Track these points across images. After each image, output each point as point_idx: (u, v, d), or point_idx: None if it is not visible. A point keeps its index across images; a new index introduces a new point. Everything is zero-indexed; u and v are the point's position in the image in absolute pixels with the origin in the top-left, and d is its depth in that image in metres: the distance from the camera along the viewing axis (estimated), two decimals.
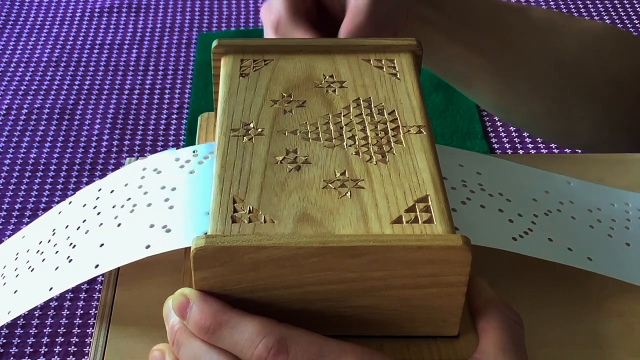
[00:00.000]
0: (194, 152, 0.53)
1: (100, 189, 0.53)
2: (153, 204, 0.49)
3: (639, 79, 0.71)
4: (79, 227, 0.51)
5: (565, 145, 0.76)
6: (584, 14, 1.10)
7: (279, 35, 0.58)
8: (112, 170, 0.98)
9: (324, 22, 0.59)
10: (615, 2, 1.13)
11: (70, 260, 0.49)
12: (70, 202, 0.54)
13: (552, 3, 1.12)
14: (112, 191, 0.52)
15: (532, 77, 0.69)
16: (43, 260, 0.50)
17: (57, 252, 0.50)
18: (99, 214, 0.51)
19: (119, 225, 0.49)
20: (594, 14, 1.11)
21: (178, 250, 0.46)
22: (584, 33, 0.71)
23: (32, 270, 0.50)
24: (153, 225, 0.48)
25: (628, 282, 0.51)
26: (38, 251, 0.51)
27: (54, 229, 0.52)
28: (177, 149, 0.54)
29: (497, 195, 0.52)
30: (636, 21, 1.09)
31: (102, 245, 0.48)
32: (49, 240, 0.52)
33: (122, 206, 0.50)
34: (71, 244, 0.50)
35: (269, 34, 0.59)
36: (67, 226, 0.52)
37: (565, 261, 0.50)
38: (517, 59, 0.68)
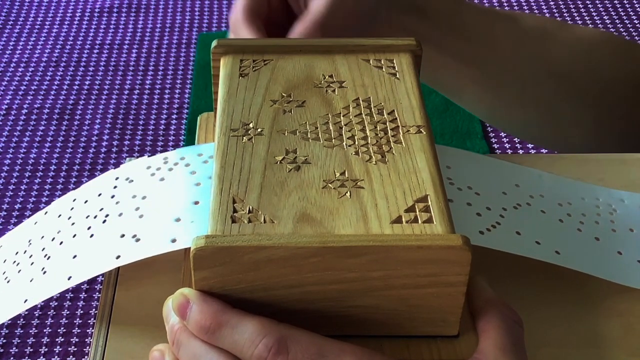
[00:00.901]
0: (164, 159, 0.53)
1: (74, 199, 0.53)
2: (124, 214, 0.50)
3: (631, 84, 0.71)
4: (53, 238, 0.51)
5: (559, 152, 0.76)
6: (583, 14, 1.10)
7: (233, 33, 0.59)
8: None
9: (288, 23, 0.59)
10: (615, 2, 1.13)
11: (45, 272, 0.49)
12: (46, 213, 0.54)
13: (552, 3, 1.12)
14: (86, 201, 0.53)
15: (522, 86, 0.69)
16: (19, 271, 0.51)
17: (32, 263, 0.50)
18: (73, 224, 0.51)
19: (91, 236, 0.49)
20: (594, 14, 1.11)
21: (178, 250, 0.46)
22: (576, 40, 0.71)
23: (8, 282, 0.51)
24: (124, 235, 0.48)
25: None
26: (14, 262, 0.52)
27: (30, 240, 0.53)
28: (150, 156, 0.55)
29: (465, 189, 0.52)
30: (636, 21, 1.09)
31: (74, 256, 0.49)
32: (25, 251, 0.52)
33: (95, 217, 0.51)
34: (46, 255, 0.50)
35: (230, 32, 0.60)
36: (42, 237, 0.52)
37: (533, 255, 0.49)
38: (507, 68, 0.68)
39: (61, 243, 0.50)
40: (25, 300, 0.48)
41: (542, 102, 0.70)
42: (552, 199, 0.55)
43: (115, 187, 0.53)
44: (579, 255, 0.52)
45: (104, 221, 0.50)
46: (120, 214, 0.50)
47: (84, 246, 0.49)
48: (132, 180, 0.52)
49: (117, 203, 0.51)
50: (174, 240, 0.47)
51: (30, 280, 0.49)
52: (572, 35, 0.72)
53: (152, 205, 0.50)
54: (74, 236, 0.50)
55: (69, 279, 0.47)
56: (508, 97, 0.70)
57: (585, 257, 0.52)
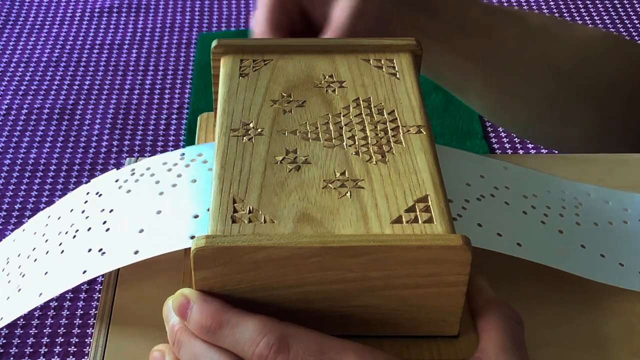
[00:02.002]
0: (132, 170, 0.54)
1: (49, 216, 0.54)
2: (92, 228, 0.50)
3: (633, 84, 0.71)
4: (29, 256, 0.52)
5: (559, 151, 0.76)
6: (583, 14, 1.10)
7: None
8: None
9: (309, 33, 0.59)
10: (615, 2, 1.13)
11: (20, 290, 0.50)
12: (23, 230, 0.55)
13: (552, 3, 1.12)
14: (59, 217, 0.53)
15: (526, 84, 0.69)
16: None
17: (9, 281, 0.51)
18: (47, 241, 0.52)
19: (62, 252, 0.50)
20: (594, 14, 1.11)
21: (178, 250, 0.46)
22: (579, 40, 0.71)
23: None
24: (91, 250, 0.49)
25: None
26: None
27: (8, 258, 0.54)
28: (118, 169, 0.56)
29: None
30: (636, 21, 1.09)
31: (46, 273, 0.49)
32: (3, 269, 0.53)
33: (67, 232, 0.51)
34: (21, 272, 0.51)
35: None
36: (19, 254, 0.53)
37: (493, 247, 0.49)
38: (511, 66, 0.68)
39: (35, 260, 0.51)
40: (1, 318, 0.49)
41: (545, 101, 0.70)
42: (517, 190, 0.54)
43: (86, 202, 0.53)
44: (541, 247, 0.51)
45: (74, 236, 0.50)
46: (89, 229, 0.51)
47: (55, 262, 0.50)
48: (101, 195, 0.53)
49: (86, 218, 0.52)
50: (136, 252, 0.47)
51: (7, 298, 0.50)
52: (575, 34, 0.72)
53: (118, 218, 0.50)
54: (47, 253, 0.51)
55: (39, 295, 0.48)
56: (511, 95, 0.70)
57: (547, 249, 0.51)
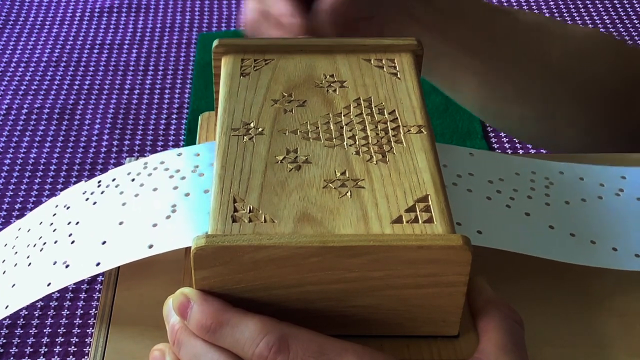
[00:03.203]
0: (98, 182, 0.54)
1: (19, 229, 0.55)
2: (59, 241, 0.51)
3: (626, 84, 0.71)
4: None
5: (549, 151, 0.76)
6: (583, 14, 1.10)
7: (261, 4, 0.57)
8: None
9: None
10: (615, 2, 1.13)
11: None
12: None
13: (551, 3, 1.12)
14: (29, 230, 0.54)
15: (519, 80, 0.69)
16: None
17: None
18: (16, 253, 0.52)
19: (29, 265, 0.50)
20: (594, 14, 1.11)
21: (178, 250, 0.46)
22: (572, 38, 0.71)
23: None
24: (55, 262, 0.49)
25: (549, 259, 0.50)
26: None
27: None
28: (86, 181, 0.56)
29: None
30: (636, 21, 1.09)
31: (13, 285, 0.50)
32: None
33: (35, 245, 0.52)
34: None
35: (250, 2, 0.58)
36: None
37: None
38: (505, 61, 0.68)
39: (4, 272, 0.51)
40: None
41: (536, 98, 0.70)
42: (482, 176, 0.54)
43: (54, 214, 0.54)
44: (503, 233, 0.50)
45: (42, 249, 0.51)
46: (56, 242, 0.51)
47: (22, 274, 0.50)
48: (69, 207, 0.53)
49: (54, 231, 0.52)
50: (98, 264, 0.48)
51: None
52: (568, 34, 0.72)
53: (83, 230, 0.51)
54: (15, 265, 0.51)
55: (6, 307, 0.49)
56: (504, 91, 0.70)
57: (510, 234, 0.50)
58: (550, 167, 0.56)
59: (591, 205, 0.54)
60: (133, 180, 0.53)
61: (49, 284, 0.48)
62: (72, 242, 0.50)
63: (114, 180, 0.54)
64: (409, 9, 0.62)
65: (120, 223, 0.49)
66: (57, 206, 0.54)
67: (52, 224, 0.53)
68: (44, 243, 0.51)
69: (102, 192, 0.53)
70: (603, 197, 0.54)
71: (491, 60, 0.68)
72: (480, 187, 0.53)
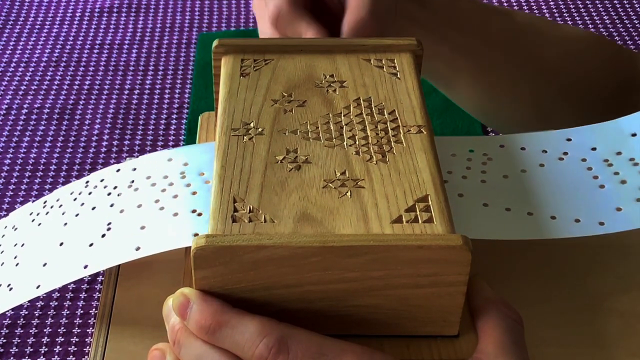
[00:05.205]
0: (44, 203, 0.54)
1: None
2: (5, 263, 0.51)
3: (618, 84, 0.71)
4: None
5: None
6: (583, 14, 1.10)
7: (279, 28, 0.56)
8: None
9: (320, 18, 0.58)
10: (615, 2, 1.13)
11: None
12: None
13: (552, 3, 1.12)
14: None
15: (513, 81, 0.70)
16: None
17: None
18: None
19: None
20: (594, 14, 1.11)
21: (178, 250, 0.46)
22: (565, 39, 0.72)
23: None
24: (0, 285, 0.50)
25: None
26: None
27: None
28: (32, 202, 0.56)
29: None
30: (636, 21, 1.09)
31: None
32: None
33: None
34: None
35: (266, 28, 0.57)
36: None
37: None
38: (499, 62, 0.69)
39: None
40: None
41: (531, 98, 0.71)
42: None
43: (3, 235, 0.54)
44: None
45: None
46: (2, 264, 0.51)
47: None
48: (17, 228, 0.54)
49: (2, 252, 0.52)
50: (38, 287, 0.48)
51: None
52: (562, 34, 0.72)
53: (28, 252, 0.51)
54: None
55: None
56: (499, 91, 0.70)
57: None
58: (490, 142, 0.55)
59: (532, 175, 0.52)
60: (75, 200, 0.53)
61: None
62: (17, 264, 0.50)
63: (57, 200, 0.54)
64: (405, 10, 0.62)
65: (61, 244, 0.50)
66: (5, 227, 0.55)
67: (0, 245, 0.53)
68: None
69: (46, 213, 0.53)
70: (545, 164, 0.53)
71: (485, 61, 0.68)
72: None
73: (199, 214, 0.47)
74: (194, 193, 0.49)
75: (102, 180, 0.53)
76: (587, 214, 0.49)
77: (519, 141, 0.55)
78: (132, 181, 0.51)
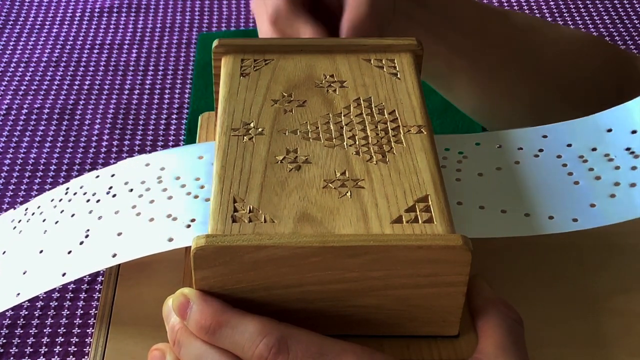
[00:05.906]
0: (25, 209, 0.54)
1: None
2: None
3: (615, 85, 0.71)
4: None
5: None
6: (584, 14, 1.10)
7: (278, 28, 0.56)
8: None
9: (319, 17, 0.58)
10: (615, 2, 1.13)
11: None
12: None
13: (552, 3, 1.12)
14: None
15: (510, 81, 0.70)
16: None
17: None
18: None
19: None
20: (594, 14, 1.11)
21: (178, 250, 0.46)
22: (562, 39, 0.72)
23: None
24: None
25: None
26: None
27: None
28: (14, 210, 0.56)
29: None
30: (636, 21, 1.09)
31: None
32: None
33: None
34: None
35: (265, 27, 0.57)
36: None
37: None
38: (497, 62, 0.69)
39: None
40: None
41: (528, 99, 0.71)
42: None
43: None
44: None
45: None
46: None
47: None
48: None
49: None
50: (18, 294, 0.48)
51: None
52: (559, 34, 0.72)
53: (8, 260, 0.51)
54: None
55: None
56: (496, 92, 0.70)
57: None
58: (467, 139, 0.54)
59: (507, 173, 0.52)
60: (55, 207, 0.53)
61: None
62: None
63: (38, 207, 0.54)
64: (403, 9, 0.62)
65: (41, 252, 0.50)
66: None
67: None
68: None
69: (27, 220, 0.53)
70: (520, 161, 0.52)
71: (482, 62, 0.68)
72: None
73: (174, 219, 0.47)
74: (170, 198, 0.49)
75: (81, 187, 0.53)
76: (560, 210, 0.49)
77: (495, 139, 0.54)
78: (111, 187, 0.51)
